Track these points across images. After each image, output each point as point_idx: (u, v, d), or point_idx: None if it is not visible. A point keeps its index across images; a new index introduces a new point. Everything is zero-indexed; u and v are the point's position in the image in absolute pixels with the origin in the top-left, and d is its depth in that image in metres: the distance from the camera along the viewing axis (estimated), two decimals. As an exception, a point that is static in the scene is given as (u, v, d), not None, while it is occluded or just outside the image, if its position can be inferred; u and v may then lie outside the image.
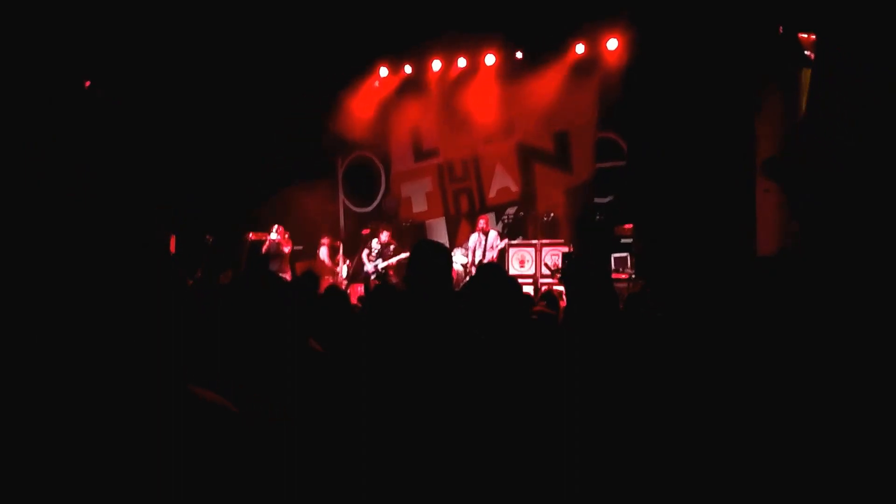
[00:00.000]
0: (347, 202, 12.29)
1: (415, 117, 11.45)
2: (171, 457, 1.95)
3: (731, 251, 7.84)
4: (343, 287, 9.85)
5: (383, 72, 11.24)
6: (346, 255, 10.76)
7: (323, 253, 10.75)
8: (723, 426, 2.13)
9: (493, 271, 2.94)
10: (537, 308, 4.33)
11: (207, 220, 10.16)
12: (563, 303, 4.51)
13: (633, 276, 8.87)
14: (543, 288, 9.24)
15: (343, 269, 10.59)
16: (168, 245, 9.34)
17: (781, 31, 7.54)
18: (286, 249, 10.35)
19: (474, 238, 10.16)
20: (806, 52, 7.31)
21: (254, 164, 10.43)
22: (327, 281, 10.08)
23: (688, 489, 2.09)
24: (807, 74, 8.07)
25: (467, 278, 9.51)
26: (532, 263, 9.81)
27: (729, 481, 2.04)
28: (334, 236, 11.00)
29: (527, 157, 10.91)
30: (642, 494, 2.14)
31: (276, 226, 10.35)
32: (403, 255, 9.64)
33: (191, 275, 9.12)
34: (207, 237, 10.11)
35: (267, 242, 10.32)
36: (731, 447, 2.08)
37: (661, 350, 2.49)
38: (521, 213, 10.77)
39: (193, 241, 9.89)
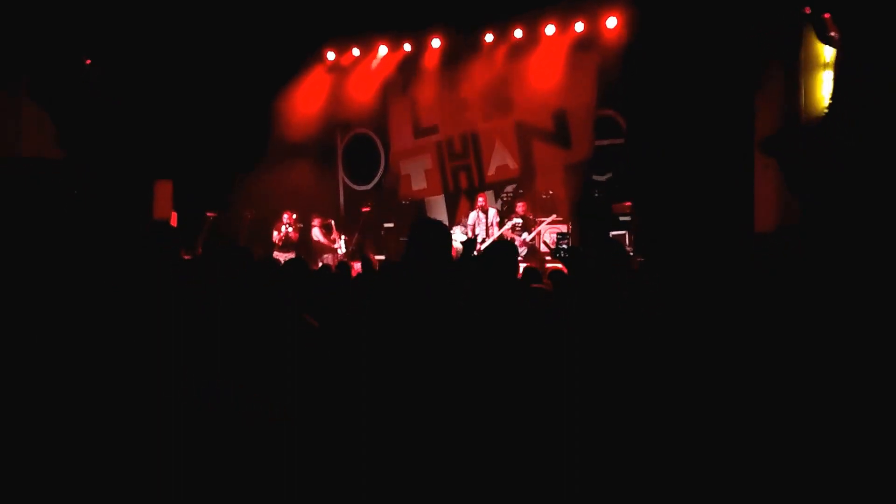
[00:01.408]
0: (347, 180, 12.23)
1: (414, 95, 11.41)
2: (170, 449, 2.04)
3: (729, 228, 7.81)
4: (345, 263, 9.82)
5: (383, 50, 11.12)
6: (340, 231, 10.72)
7: (316, 233, 10.66)
8: (720, 416, 2.11)
9: (506, 249, 2.87)
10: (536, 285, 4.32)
11: (206, 196, 10.11)
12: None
13: (632, 254, 8.83)
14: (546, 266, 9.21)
15: (342, 245, 10.55)
16: (168, 224, 9.29)
17: (808, 10, 7.38)
18: (296, 235, 10.33)
19: (473, 216, 10.12)
20: (832, 34, 7.19)
21: (249, 141, 10.33)
22: (326, 259, 10.06)
23: (686, 479, 2.06)
24: (807, 52, 8.00)
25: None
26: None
27: (727, 473, 2.01)
28: (325, 214, 10.91)
29: (526, 135, 10.84)
30: (640, 481, 2.11)
31: (285, 213, 10.28)
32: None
33: (191, 251, 9.09)
34: (208, 214, 10.06)
35: (282, 234, 10.20)
36: (728, 440, 2.05)
37: (661, 339, 2.42)
38: (521, 191, 10.71)
39: (193, 217, 9.86)
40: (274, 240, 10.23)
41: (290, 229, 10.24)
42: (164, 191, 9.48)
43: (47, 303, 2.72)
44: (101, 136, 9.04)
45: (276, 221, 10.35)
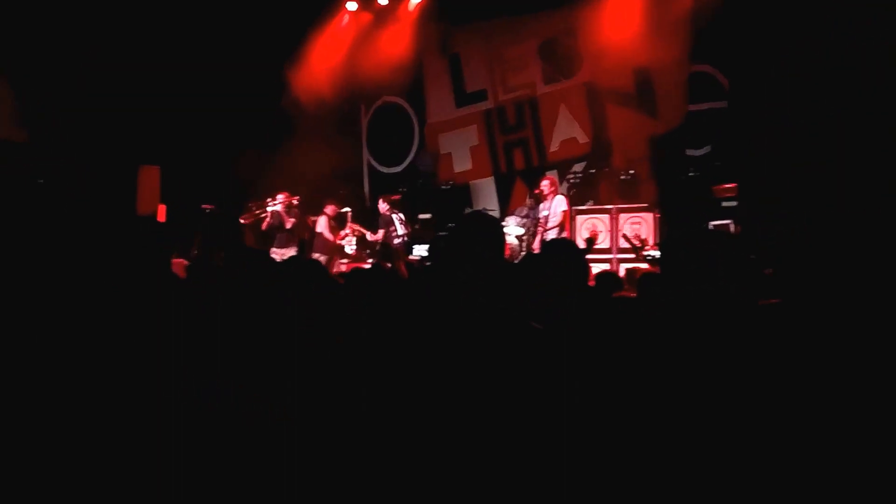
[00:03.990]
0: (373, 160, 12.17)
1: (456, 52, 11.43)
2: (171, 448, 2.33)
3: (865, 219, 7.39)
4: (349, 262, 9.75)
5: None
6: (354, 224, 10.49)
7: (321, 224, 10.24)
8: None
9: (564, 248, 2.90)
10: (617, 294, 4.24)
11: (202, 186, 10.12)
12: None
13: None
14: (622, 267, 8.87)
15: (353, 242, 10.36)
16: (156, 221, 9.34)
17: None
18: (291, 222, 10.05)
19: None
20: None
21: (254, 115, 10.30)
22: (333, 262, 9.93)
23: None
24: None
25: (522, 254, 9.24)
26: (607, 235, 9.43)
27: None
28: (344, 203, 10.59)
29: (599, 100, 10.48)
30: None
31: (281, 194, 10.05)
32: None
33: (185, 253, 9.10)
34: (204, 207, 10.08)
35: (269, 216, 9.99)
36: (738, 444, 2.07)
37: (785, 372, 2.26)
38: (592, 171, 10.34)
39: (187, 211, 9.87)
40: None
41: (280, 208, 9.93)
42: (150, 178, 9.50)
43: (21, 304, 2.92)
44: (73, 112, 9.09)
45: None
